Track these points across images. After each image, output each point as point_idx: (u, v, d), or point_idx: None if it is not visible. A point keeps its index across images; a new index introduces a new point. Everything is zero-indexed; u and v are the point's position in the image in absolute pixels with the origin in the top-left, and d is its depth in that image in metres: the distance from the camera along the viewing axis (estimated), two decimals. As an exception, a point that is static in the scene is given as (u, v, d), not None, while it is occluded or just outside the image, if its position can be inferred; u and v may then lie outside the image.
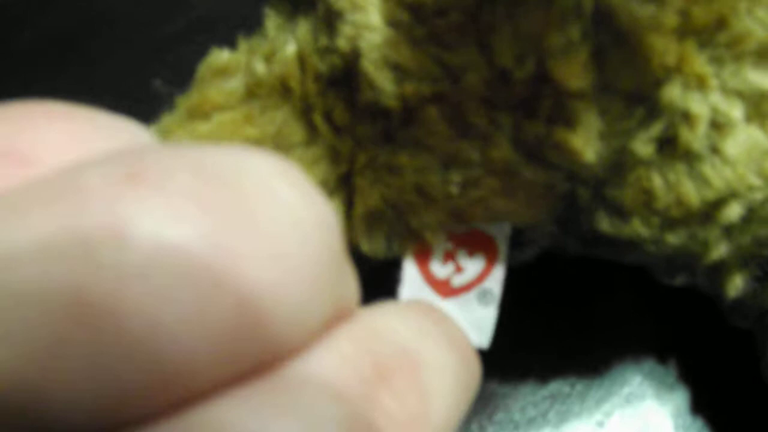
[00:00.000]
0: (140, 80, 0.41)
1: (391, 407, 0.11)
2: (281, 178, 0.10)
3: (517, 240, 0.30)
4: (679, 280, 0.31)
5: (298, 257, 0.10)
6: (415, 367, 0.12)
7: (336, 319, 0.12)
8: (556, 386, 0.37)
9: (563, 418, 0.36)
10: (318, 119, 0.28)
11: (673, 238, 0.27)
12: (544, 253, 0.31)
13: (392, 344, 0.12)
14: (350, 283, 0.12)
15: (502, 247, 0.29)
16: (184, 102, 0.30)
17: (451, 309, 0.29)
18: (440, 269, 0.30)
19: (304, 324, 0.10)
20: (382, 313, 0.14)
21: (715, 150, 0.26)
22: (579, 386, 0.37)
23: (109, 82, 0.41)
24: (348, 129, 0.28)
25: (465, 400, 0.14)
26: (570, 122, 0.24)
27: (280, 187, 0.10)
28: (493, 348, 0.29)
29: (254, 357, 0.10)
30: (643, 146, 0.26)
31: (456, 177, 0.27)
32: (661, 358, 0.37)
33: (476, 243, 0.30)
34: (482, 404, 0.36)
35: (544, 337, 0.38)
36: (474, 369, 0.15)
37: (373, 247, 0.29)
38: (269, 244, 0.09)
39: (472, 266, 0.30)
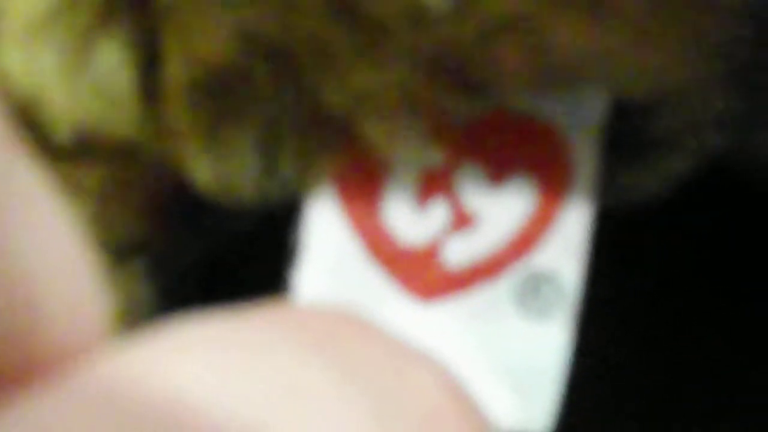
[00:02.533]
0: None
1: None
2: None
3: (627, 139, 0.18)
4: None
5: None
6: None
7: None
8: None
9: None
10: None
11: None
12: (694, 178, 0.19)
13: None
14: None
15: (584, 157, 0.18)
16: None
17: (443, 330, 0.18)
18: (410, 222, 0.18)
19: None
20: (173, 347, 0.09)
21: None
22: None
23: None
24: None
25: None
26: None
27: None
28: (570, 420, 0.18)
29: None
30: None
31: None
32: None
33: (509, 148, 0.18)
34: None
35: (685, 392, 0.22)
36: None
37: (225, 172, 0.18)
38: None
39: (501, 212, 0.18)
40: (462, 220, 0.18)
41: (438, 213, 0.18)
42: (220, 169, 0.18)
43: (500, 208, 0.18)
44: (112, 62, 0.18)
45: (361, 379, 0.10)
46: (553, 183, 0.18)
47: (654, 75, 0.18)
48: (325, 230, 0.18)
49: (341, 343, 0.11)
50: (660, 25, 0.17)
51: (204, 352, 0.09)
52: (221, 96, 0.17)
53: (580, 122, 0.18)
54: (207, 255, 0.20)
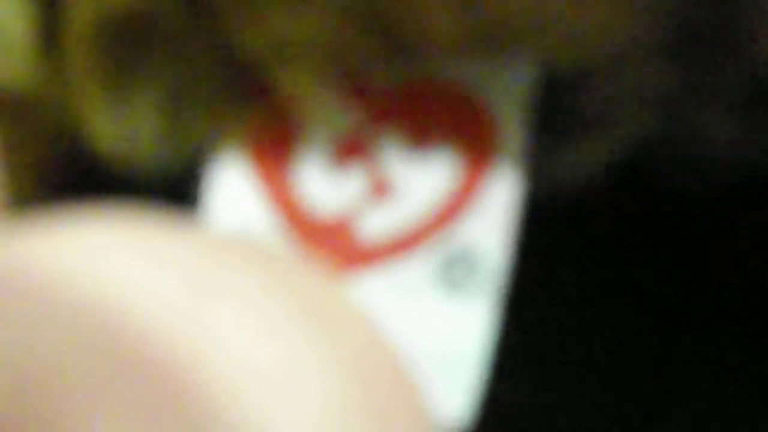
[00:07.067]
0: None
1: None
2: None
3: (556, 116, 0.18)
4: None
5: None
6: None
7: None
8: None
9: None
10: None
11: None
12: (629, 162, 0.18)
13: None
14: None
15: (510, 131, 0.17)
16: None
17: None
18: (324, 187, 0.17)
19: None
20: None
21: None
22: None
23: None
24: None
25: None
26: None
27: None
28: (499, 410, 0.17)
29: None
30: None
31: None
32: None
33: (433, 116, 0.17)
34: None
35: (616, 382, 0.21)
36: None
37: (126, 130, 0.17)
38: None
39: (422, 182, 0.17)
40: (380, 189, 0.17)
41: (355, 179, 0.17)
42: (120, 127, 0.17)
43: (421, 178, 0.17)
44: (7, 7, 0.17)
45: (293, 288, 0.10)
46: (477, 155, 0.17)
47: (587, 41, 0.17)
48: (233, 194, 0.17)
49: (273, 261, 0.10)
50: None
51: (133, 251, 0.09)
52: (128, 41, 0.16)
53: (508, 94, 0.17)
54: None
